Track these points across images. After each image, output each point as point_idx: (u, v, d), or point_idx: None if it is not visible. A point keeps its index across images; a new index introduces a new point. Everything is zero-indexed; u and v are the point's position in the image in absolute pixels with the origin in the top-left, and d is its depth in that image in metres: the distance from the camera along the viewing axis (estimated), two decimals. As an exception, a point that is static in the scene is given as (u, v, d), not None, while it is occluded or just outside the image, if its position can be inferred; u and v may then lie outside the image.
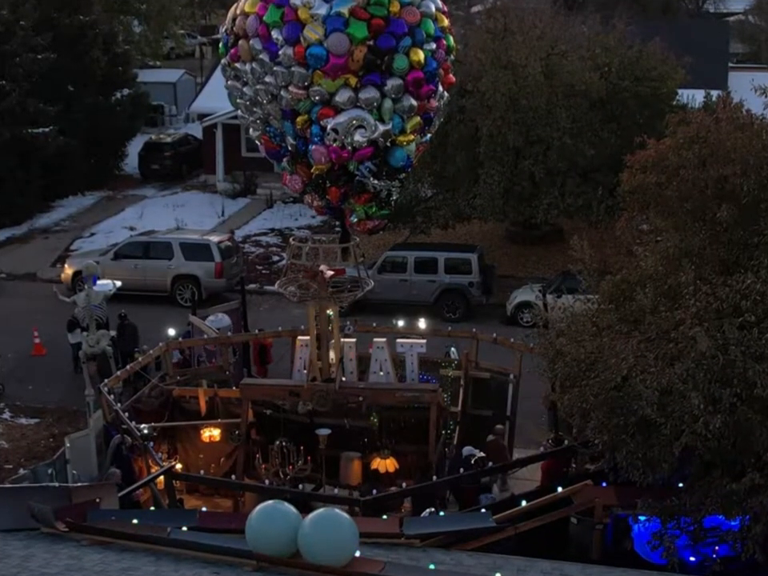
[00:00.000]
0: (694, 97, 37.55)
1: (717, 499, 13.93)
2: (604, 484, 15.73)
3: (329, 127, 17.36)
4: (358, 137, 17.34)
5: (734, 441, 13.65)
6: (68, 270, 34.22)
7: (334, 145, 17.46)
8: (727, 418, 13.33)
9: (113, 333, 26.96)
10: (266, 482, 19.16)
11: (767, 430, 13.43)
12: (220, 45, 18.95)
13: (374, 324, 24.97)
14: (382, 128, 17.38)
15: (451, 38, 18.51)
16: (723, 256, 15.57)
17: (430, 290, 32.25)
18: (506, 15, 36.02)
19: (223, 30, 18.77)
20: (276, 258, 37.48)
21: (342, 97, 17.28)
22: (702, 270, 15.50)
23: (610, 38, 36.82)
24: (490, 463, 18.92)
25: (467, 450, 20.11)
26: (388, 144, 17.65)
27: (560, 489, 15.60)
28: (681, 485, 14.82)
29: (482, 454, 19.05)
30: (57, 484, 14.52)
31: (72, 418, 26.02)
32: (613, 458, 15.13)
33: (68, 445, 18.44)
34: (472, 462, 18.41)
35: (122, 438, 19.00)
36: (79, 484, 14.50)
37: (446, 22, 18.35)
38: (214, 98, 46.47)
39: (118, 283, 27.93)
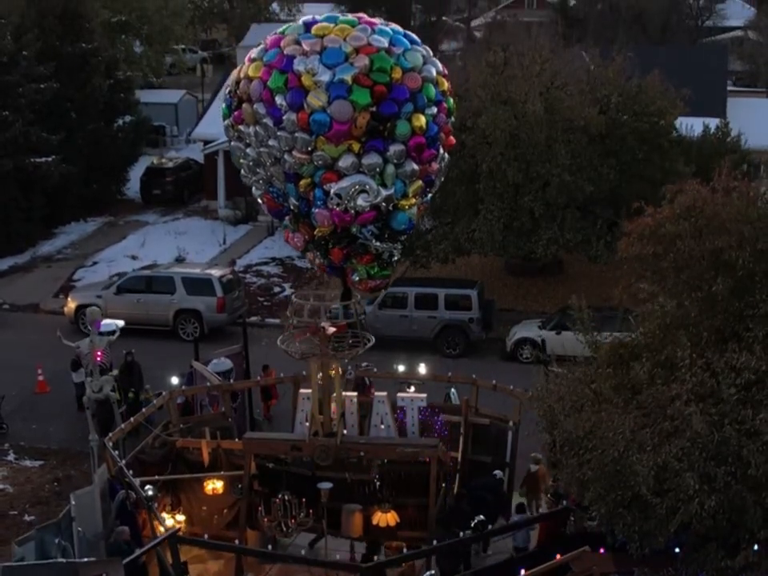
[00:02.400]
0: (692, 127, 37.89)
1: (712, 573, 14.20)
2: (602, 550, 15.97)
3: (332, 192, 17.59)
4: (361, 201, 17.57)
5: (728, 517, 13.92)
6: (71, 304, 34.48)
7: (337, 209, 17.69)
8: (722, 496, 13.61)
9: (115, 372, 27.23)
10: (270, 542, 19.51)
11: (761, 508, 13.70)
12: (223, 106, 19.16)
13: (375, 369, 25.32)
14: (384, 193, 17.60)
15: (451, 101, 18.76)
16: (719, 325, 15.83)
17: (430, 326, 32.51)
18: (505, 49, 36.23)
19: (226, 91, 18.99)
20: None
21: (345, 162, 17.51)
22: (698, 338, 15.77)
23: (609, 70, 37.12)
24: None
25: (498, 473, 21.26)
26: (390, 208, 17.88)
27: (558, 556, 15.85)
28: (677, 549, 15.10)
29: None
30: (64, 560, 14.74)
31: (76, 460, 26.22)
32: (610, 528, 15.38)
33: (73, 502, 18.66)
34: (472, 524, 18.63)
35: (126, 494, 19.24)
36: (86, 560, 14.71)
37: (447, 85, 18.58)
38: (216, 124, 46.59)
39: (121, 323, 28.16)
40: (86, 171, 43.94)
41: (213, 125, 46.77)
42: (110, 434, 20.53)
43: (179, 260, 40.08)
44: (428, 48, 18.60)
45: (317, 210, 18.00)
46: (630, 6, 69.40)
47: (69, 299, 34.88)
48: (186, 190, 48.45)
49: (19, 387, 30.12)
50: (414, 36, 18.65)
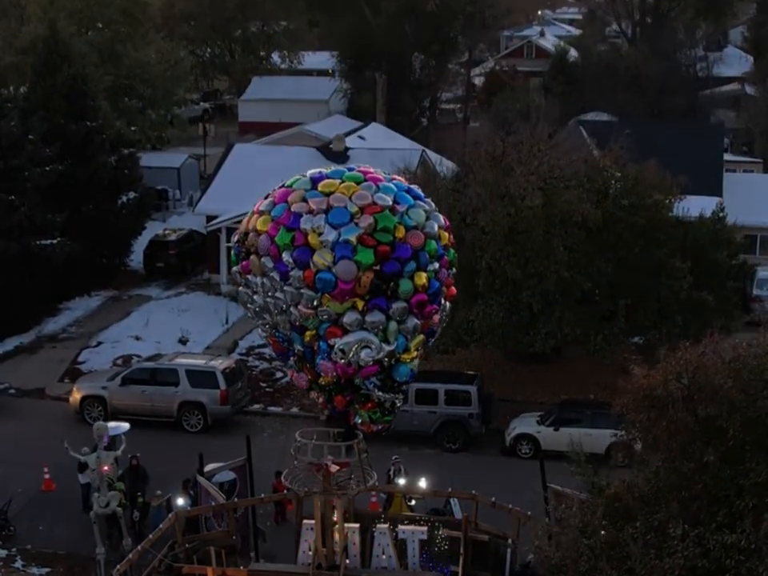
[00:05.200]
0: (689, 209, 38.40)
1: None
2: None
3: (336, 347, 18.18)
4: (364, 356, 18.16)
5: None
6: (76, 395, 34.96)
7: (341, 362, 18.26)
8: None
9: (120, 472, 27.71)
10: None
11: None
12: (232, 253, 19.78)
13: (377, 483, 25.85)
14: (387, 348, 18.20)
15: (453, 252, 19.35)
16: (711, 489, 16.37)
17: (430, 420, 33.02)
18: (504, 139, 36.90)
19: (235, 240, 19.58)
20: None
21: (349, 319, 18.12)
22: (690, 501, 16.33)
23: (606, 159, 37.84)
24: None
25: (531, 557, 21.84)
26: (392, 362, 18.45)
27: None
28: None
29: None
30: None
31: (82, 568, 26.63)
32: None
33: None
34: None
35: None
36: None
37: (448, 238, 19.16)
38: (219, 199, 47.51)
39: (126, 426, 28.88)
40: (90, 248, 44.41)
41: (216, 200, 47.59)
42: (118, 567, 21.05)
43: (182, 341, 40.62)
44: (431, 203, 19.19)
45: (321, 362, 18.59)
46: (627, 66, 70.24)
47: (74, 389, 35.31)
48: (189, 262, 48.96)
49: (25, 484, 30.48)
50: (417, 190, 19.28)
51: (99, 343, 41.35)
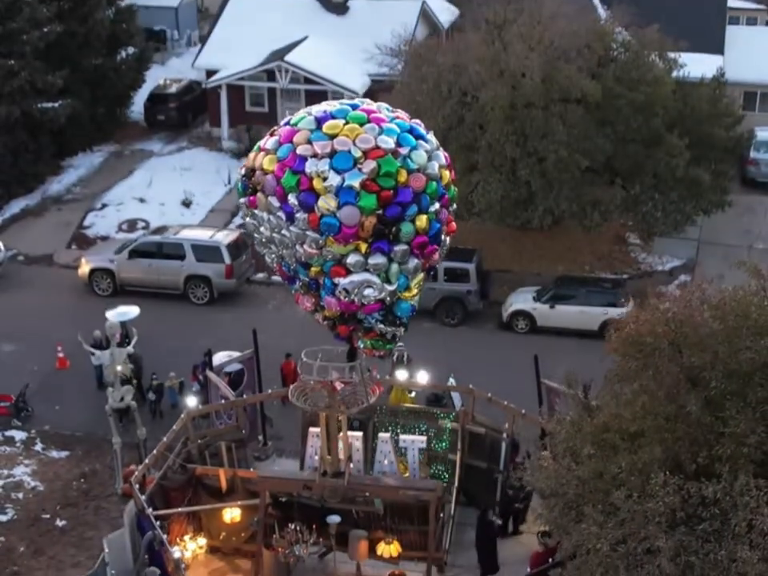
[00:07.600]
0: (689, 74, 38.39)
1: None
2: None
3: (339, 287, 18.95)
4: (367, 294, 18.96)
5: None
6: (85, 267, 35.93)
7: (344, 300, 19.08)
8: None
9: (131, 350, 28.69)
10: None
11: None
12: (239, 185, 20.22)
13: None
14: (389, 288, 18.96)
15: (453, 189, 19.85)
16: (693, 432, 17.47)
17: (430, 296, 33.89)
18: (505, 7, 36.63)
19: (242, 174, 19.97)
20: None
21: (353, 260, 18.77)
22: (672, 442, 17.46)
23: (607, 25, 37.69)
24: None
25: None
26: (394, 300, 19.26)
27: None
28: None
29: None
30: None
31: (99, 451, 28.11)
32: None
33: (107, 550, 20.70)
34: None
35: (153, 535, 21.19)
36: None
37: (449, 176, 19.62)
38: (219, 53, 47.27)
39: (136, 310, 29.80)
40: (90, 104, 44.51)
41: (215, 54, 47.37)
42: (136, 474, 22.41)
43: (185, 204, 41.29)
44: (433, 140, 19.49)
45: (325, 297, 19.39)
46: None
47: (83, 261, 36.23)
48: (190, 113, 49.10)
49: (40, 362, 31.78)
50: (420, 128, 19.57)
51: (104, 206, 42.04)
